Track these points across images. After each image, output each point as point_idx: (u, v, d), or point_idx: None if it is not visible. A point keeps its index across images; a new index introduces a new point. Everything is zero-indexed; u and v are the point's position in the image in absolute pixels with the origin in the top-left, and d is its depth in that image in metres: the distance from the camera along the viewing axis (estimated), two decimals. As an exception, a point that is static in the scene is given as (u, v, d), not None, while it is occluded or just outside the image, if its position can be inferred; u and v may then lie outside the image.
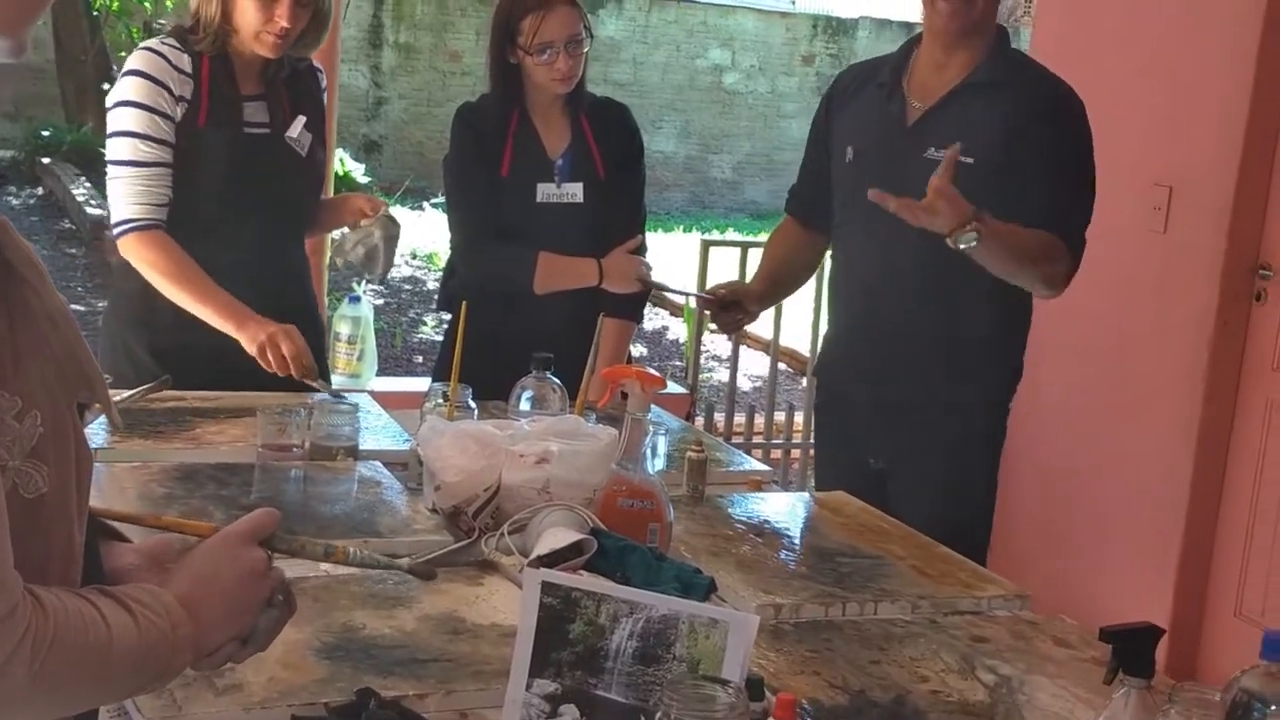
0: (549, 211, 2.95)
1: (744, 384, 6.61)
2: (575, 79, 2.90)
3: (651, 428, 2.00)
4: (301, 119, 2.83)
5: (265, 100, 2.81)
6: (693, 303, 2.90)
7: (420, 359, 7.37)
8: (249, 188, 2.77)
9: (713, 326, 3.02)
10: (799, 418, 4.87)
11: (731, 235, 12.33)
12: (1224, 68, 3.75)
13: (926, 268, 2.57)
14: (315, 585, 1.77)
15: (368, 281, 2.74)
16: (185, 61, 2.71)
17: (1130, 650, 1.36)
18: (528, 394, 2.33)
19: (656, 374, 2.04)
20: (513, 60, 2.90)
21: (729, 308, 2.84)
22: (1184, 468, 3.84)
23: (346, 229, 2.91)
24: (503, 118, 2.95)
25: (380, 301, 8.47)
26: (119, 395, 2.39)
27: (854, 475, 2.64)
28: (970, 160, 2.48)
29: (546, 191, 2.95)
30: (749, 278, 4.58)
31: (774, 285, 2.98)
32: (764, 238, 12.84)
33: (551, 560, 1.83)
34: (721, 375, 7.19)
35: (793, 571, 2.01)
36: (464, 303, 2.38)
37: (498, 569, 1.91)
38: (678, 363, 7.65)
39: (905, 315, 2.65)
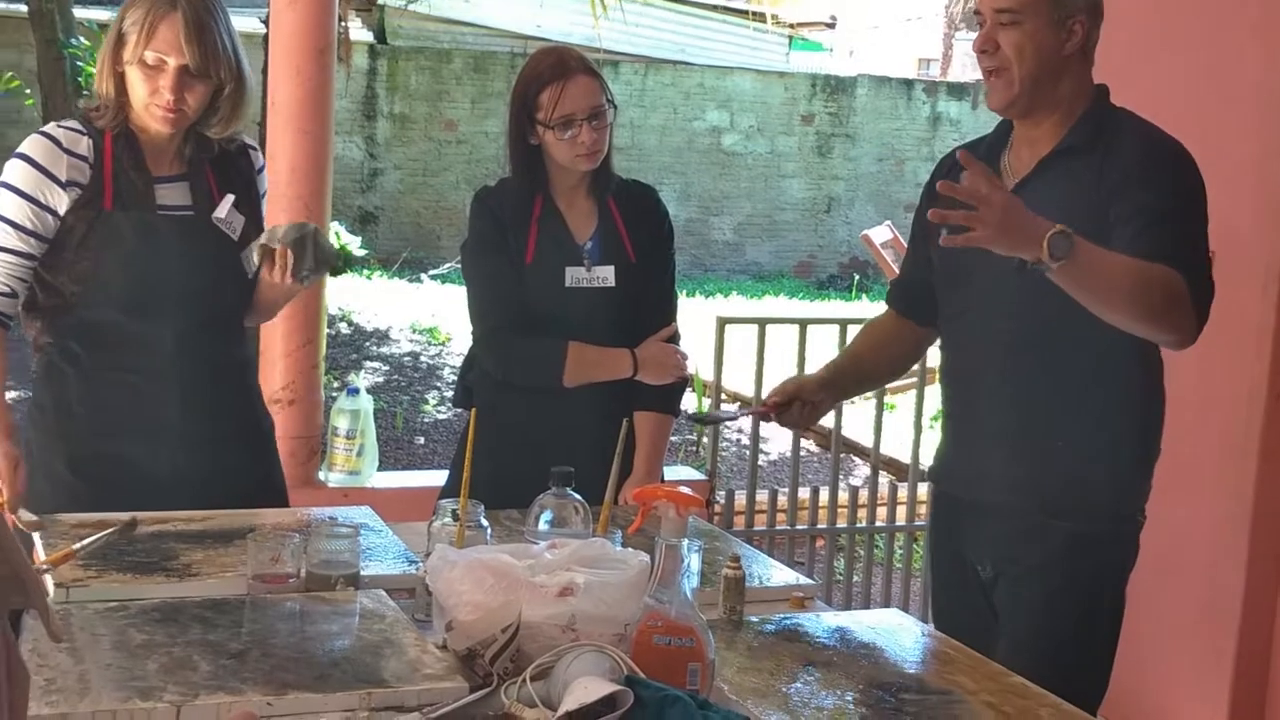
0: (579, 296, 2.78)
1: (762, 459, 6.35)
2: (600, 153, 2.74)
3: (687, 555, 1.80)
4: (230, 198, 2.58)
5: (187, 181, 2.59)
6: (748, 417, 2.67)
7: (423, 440, 7.14)
8: (167, 274, 2.53)
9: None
10: (824, 496, 4.63)
11: (736, 299, 12.20)
12: (1255, 128, 3.55)
13: (1020, 359, 2.36)
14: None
15: (305, 278, 2.45)
16: (83, 144, 2.52)
17: None
18: (547, 515, 2.11)
19: (692, 494, 1.82)
20: (533, 142, 2.75)
21: (785, 409, 2.59)
22: (1239, 552, 3.60)
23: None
24: (525, 203, 2.79)
25: (380, 380, 8.25)
26: (80, 543, 2.10)
27: (961, 584, 2.47)
28: None
29: (576, 275, 2.78)
30: (766, 351, 4.47)
31: (846, 372, 2.71)
32: (778, 304, 12.50)
33: (582, 716, 1.62)
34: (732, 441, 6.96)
35: (851, 713, 1.78)
36: (473, 409, 2.15)
37: (520, 724, 1.69)
38: (689, 436, 7.40)
39: (997, 409, 2.44)
